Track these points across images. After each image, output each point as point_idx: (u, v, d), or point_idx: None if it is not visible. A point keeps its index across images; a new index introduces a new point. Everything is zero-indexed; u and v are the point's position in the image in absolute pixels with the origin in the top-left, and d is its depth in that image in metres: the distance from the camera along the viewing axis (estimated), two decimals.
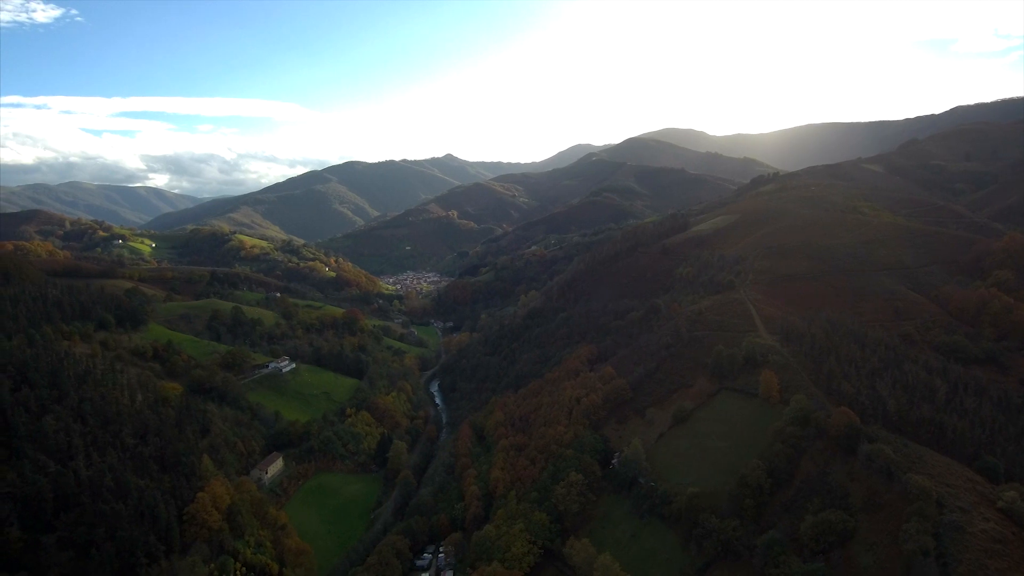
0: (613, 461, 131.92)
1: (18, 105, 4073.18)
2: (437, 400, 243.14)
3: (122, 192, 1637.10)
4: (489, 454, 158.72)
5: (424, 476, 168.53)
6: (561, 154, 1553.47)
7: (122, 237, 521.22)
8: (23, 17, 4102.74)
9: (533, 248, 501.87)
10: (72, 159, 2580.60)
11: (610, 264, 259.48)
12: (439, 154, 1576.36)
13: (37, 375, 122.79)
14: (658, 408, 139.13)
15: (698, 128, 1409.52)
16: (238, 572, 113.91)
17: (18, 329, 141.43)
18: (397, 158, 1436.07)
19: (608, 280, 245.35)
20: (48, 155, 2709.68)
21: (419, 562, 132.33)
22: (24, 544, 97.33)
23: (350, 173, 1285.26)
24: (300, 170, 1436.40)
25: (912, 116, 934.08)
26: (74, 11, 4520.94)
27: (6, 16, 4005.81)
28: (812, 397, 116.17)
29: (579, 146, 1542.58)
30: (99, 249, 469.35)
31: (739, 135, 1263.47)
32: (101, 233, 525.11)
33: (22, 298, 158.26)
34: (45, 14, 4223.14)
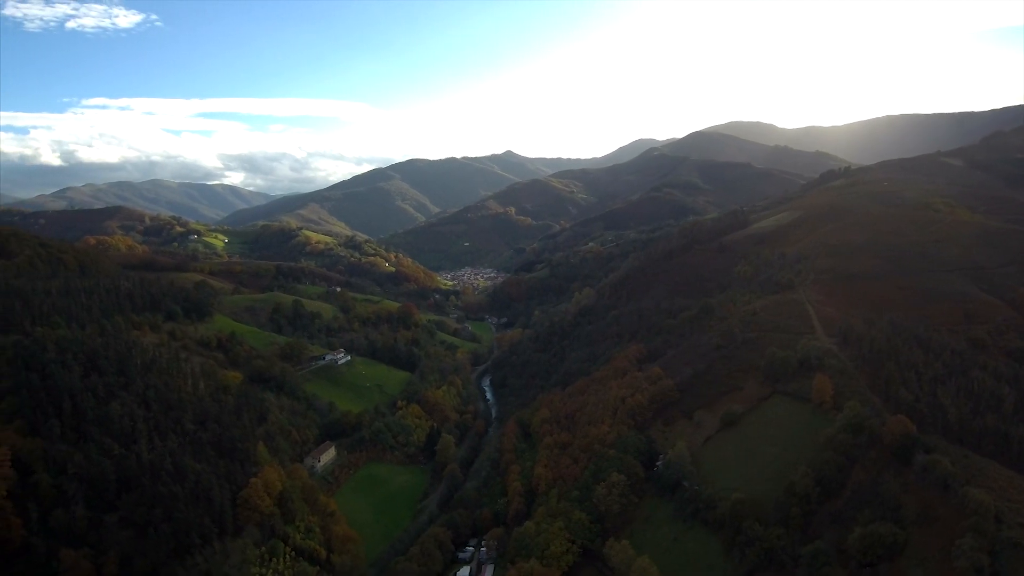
0: (657, 463, 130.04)
1: (103, 107, 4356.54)
2: (488, 395, 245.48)
3: (200, 189, 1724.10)
4: (533, 451, 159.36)
5: (470, 470, 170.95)
6: (622, 149, 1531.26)
7: (197, 232, 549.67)
8: (107, 23, 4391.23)
9: (590, 245, 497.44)
10: (154, 158, 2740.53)
11: (664, 262, 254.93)
12: (499, 151, 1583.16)
13: (106, 362, 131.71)
14: (706, 411, 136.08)
15: (766, 120, 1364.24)
16: (287, 556, 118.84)
17: (91, 319, 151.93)
18: (458, 155, 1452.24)
19: (661, 278, 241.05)
20: (132, 154, 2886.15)
21: (461, 555, 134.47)
22: (88, 522, 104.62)
23: (412, 170, 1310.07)
24: (366, 167, 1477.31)
25: (999, 107, 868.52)
26: (154, 16, 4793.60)
27: (90, 22, 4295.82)
28: (867, 404, 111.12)
29: (640, 141, 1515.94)
30: (176, 244, 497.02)
31: (811, 127, 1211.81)
32: (178, 229, 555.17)
33: (96, 290, 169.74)
34: (127, 19, 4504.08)
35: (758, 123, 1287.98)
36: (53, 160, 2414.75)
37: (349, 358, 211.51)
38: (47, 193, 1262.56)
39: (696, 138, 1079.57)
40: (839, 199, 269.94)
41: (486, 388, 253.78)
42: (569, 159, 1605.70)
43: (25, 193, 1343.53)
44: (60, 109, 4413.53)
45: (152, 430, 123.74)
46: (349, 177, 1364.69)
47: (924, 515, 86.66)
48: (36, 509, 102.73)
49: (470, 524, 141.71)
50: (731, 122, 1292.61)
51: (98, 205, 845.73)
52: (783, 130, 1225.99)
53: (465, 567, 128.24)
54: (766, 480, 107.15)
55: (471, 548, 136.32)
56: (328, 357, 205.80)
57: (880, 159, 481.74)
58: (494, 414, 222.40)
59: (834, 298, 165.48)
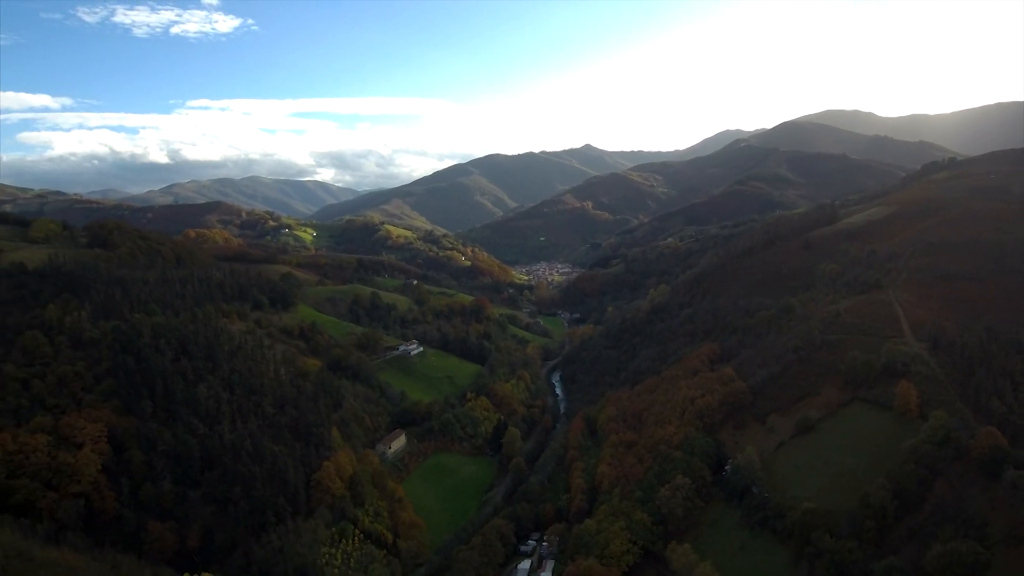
0: (726, 467, 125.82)
1: (206, 108, 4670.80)
2: (557, 390, 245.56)
3: (293, 186, 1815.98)
4: (598, 448, 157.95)
5: (535, 464, 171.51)
6: (706, 141, 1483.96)
7: (288, 226, 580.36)
8: (208, 28, 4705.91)
9: (668, 240, 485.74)
10: (252, 156, 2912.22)
11: (744, 259, 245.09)
12: (577, 144, 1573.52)
13: (196, 348, 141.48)
14: (780, 415, 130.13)
15: (865, 109, 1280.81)
16: (356, 538, 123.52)
17: (184, 307, 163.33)
18: (536, 150, 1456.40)
19: (740, 275, 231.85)
20: (232, 152, 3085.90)
21: (523, 548, 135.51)
22: (174, 496, 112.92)
23: (491, 165, 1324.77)
24: (448, 163, 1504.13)
25: None
26: (250, 20, 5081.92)
27: (193, 27, 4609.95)
28: (955, 413, 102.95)
29: (726, 132, 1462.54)
30: (269, 237, 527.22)
31: (914, 116, 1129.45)
32: (271, 223, 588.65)
33: (190, 280, 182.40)
34: (226, 24, 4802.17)
35: (856, 112, 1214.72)
36: (161, 158, 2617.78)
37: (422, 349, 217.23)
38: (156, 189, 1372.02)
39: (787, 128, 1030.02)
40: (939, 193, 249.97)
41: (556, 383, 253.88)
42: (649, 152, 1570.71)
43: (136, 189, 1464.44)
44: (167, 110, 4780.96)
45: (235, 412, 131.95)
46: (431, 173, 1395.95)
47: (1012, 534, 79.45)
48: (128, 483, 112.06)
49: (532, 518, 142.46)
50: (826, 111, 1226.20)
51: (201, 200, 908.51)
52: (884, 119, 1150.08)
53: (526, 560, 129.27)
54: (840, 491, 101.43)
55: (533, 542, 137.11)
56: (402, 348, 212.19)
57: (990, 150, 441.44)
58: (562, 410, 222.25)
59: (927, 299, 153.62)
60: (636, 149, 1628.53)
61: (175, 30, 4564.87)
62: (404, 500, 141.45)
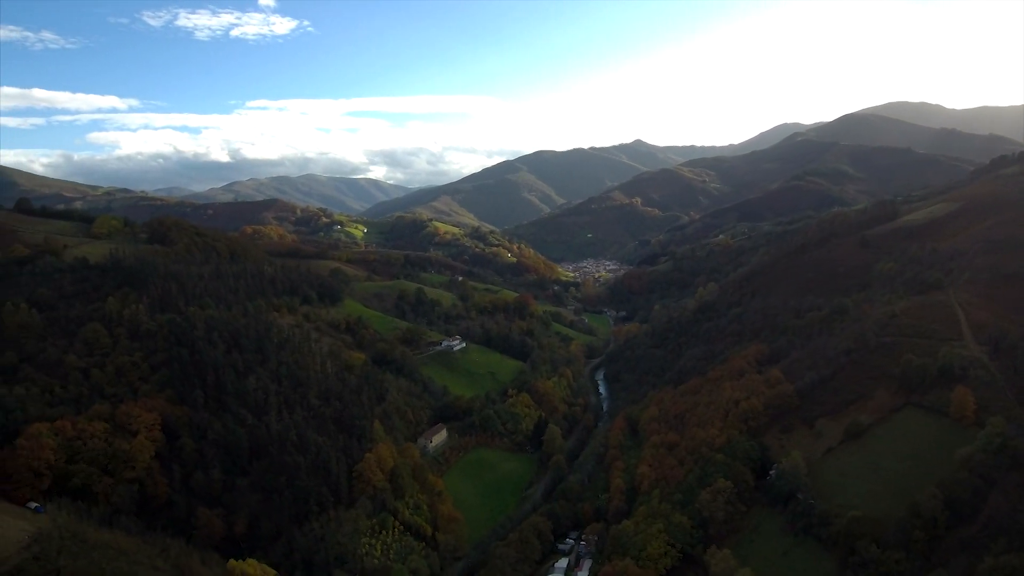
0: (770, 472, 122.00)
1: (264, 108, 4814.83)
2: (601, 389, 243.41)
3: (347, 183, 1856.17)
4: (639, 449, 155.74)
5: (575, 462, 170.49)
6: (762, 135, 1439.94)
7: (340, 223, 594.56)
8: (265, 30, 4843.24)
9: (719, 237, 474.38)
10: (308, 154, 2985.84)
11: (796, 256, 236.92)
12: (627, 140, 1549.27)
13: (246, 341, 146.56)
14: (829, 420, 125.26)
15: (932, 101, 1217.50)
16: (396, 529, 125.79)
17: (237, 301, 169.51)
18: (585, 146, 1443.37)
19: (792, 274, 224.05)
20: (289, 151, 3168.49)
21: (561, 546, 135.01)
22: (223, 484, 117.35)
23: (539, 162, 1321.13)
24: (496, 160, 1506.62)
25: None
26: (306, 22, 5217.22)
27: (251, 29, 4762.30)
28: (1014, 421, 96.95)
29: (784, 126, 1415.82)
30: (321, 233, 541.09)
31: (984, 108, 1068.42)
32: (324, 219, 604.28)
33: (243, 275, 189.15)
34: (283, 26, 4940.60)
35: (922, 104, 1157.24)
36: (222, 157, 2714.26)
37: (464, 345, 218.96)
38: (217, 187, 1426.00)
39: (847, 121, 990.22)
40: (1007, 189, 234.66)
41: (599, 382, 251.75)
42: (703, 147, 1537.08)
43: (199, 187, 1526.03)
44: (227, 111, 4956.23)
45: (282, 404, 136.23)
46: (479, 170, 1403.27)
47: None
48: (179, 470, 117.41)
49: (571, 516, 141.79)
50: (889, 103, 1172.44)
51: (259, 198, 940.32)
52: (951, 111, 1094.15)
53: (564, 558, 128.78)
54: (889, 499, 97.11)
55: (571, 540, 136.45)
56: (445, 343, 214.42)
57: None
58: (605, 408, 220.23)
59: (990, 301, 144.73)
60: (688, 144, 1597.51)
61: (235, 32, 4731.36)
62: (444, 494, 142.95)
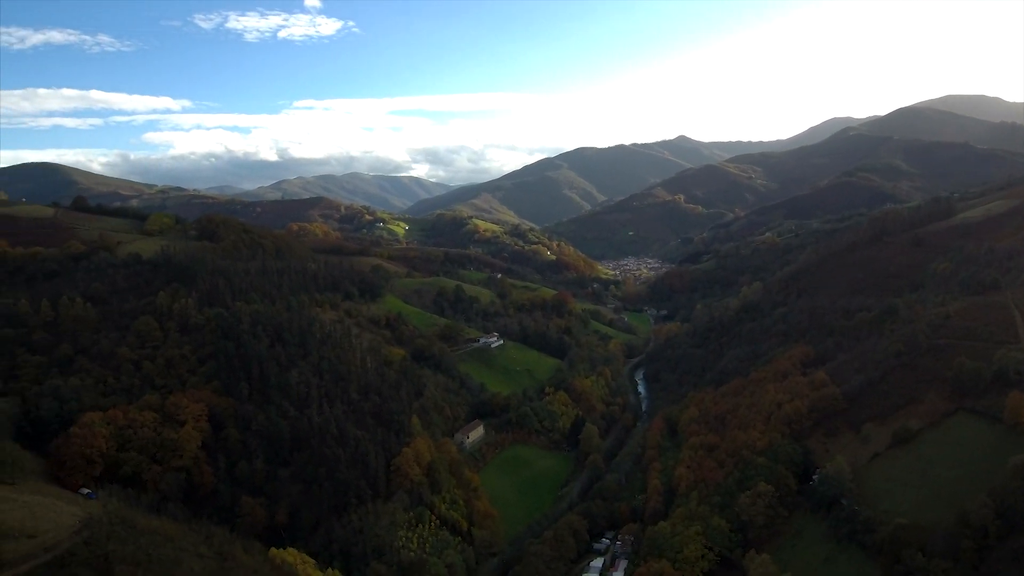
0: (813, 477, 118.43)
1: (310, 108, 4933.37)
2: (640, 389, 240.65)
3: (390, 181, 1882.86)
4: (678, 450, 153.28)
5: (612, 462, 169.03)
6: (812, 130, 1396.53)
7: (382, 221, 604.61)
8: (312, 31, 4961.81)
9: (765, 235, 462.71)
10: (353, 153, 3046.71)
11: (846, 255, 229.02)
12: (671, 136, 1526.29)
13: (289, 335, 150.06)
14: (877, 424, 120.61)
15: (990, 94, 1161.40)
16: (432, 524, 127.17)
17: (281, 296, 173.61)
18: (627, 142, 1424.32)
19: (841, 273, 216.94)
20: (335, 150, 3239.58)
21: (597, 545, 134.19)
22: (265, 474, 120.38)
23: (580, 159, 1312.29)
24: (538, 157, 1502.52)
25: None
26: (351, 23, 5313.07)
27: (298, 31, 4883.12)
28: None
29: (835, 120, 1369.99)
30: (364, 231, 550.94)
31: None
32: (367, 217, 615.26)
33: (287, 271, 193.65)
34: (329, 27, 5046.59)
35: (980, 97, 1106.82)
36: (271, 156, 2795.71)
37: (502, 342, 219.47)
38: (266, 185, 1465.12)
39: (902, 115, 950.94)
40: None
41: (639, 381, 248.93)
42: (749, 142, 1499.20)
43: (249, 185, 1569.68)
44: (275, 111, 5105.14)
45: (322, 397, 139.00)
46: (520, 167, 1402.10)
47: None
48: (224, 460, 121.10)
49: (607, 516, 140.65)
50: (945, 96, 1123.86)
51: (306, 196, 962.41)
52: (1010, 104, 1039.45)
53: (599, 558, 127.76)
54: (937, 507, 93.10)
55: (607, 540, 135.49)
56: (482, 340, 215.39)
57: None
58: (644, 408, 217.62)
59: None
60: (735, 140, 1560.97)
61: (282, 34, 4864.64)
62: (480, 489, 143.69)
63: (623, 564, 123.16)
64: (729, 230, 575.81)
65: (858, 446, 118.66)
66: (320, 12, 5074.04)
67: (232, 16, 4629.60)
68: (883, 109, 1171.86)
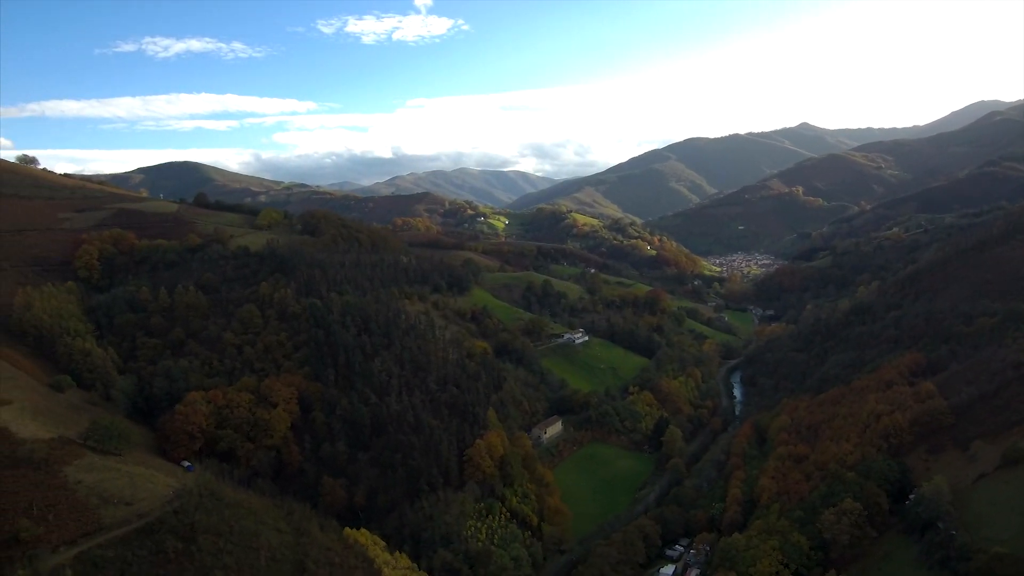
0: (910, 496, 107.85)
1: (421, 106, 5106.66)
2: (736, 392, 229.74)
3: (497, 176, 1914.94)
4: (764, 459, 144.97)
5: (695, 467, 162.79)
6: (954, 115, 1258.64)
7: (484, 215, 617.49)
8: (424, 31, 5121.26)
9: (892, 230, 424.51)
10: (462, 149, 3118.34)
11: (973, 254, 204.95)
12: (791, 123, 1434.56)
13: (375, 325, 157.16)
14: (988, 442, 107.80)
15: None
16: (502, 516, 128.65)
17: (372, 288, 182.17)
18: (743, 131, 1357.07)
19: (966, 274, 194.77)
20: (445, 146, 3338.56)
21: (670, 552, 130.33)
22: (347, 457, 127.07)
23: (690, 150, 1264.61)
24: (645, 148, 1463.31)
25: None
26: (460, 20, 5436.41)
27: (411, 32, 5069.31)
28: None
29: (979, 104, 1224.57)
30: (466, 225, 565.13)
31: None
32: (469, 211, 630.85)
33: (380, 264, 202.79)
34: (440, 26, 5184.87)
35: None
36: (385, 153, 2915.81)
37: (587, 338, 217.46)
38: (381, 181, 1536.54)
39: None
40: None
41: (736, 384, 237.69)
42: (881, 129, 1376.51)
43: (367, 181, 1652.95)
44: (390, 109, 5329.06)
45: (402, 386, 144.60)
46: (627, 160, 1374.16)
47: None
48: (310, 441, 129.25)
49: (682, 523, 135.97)
50: None
51: (417, 191, 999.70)
52: None
53: (671, 565, 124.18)
54: None
55: (681, 547, 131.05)
56: (567, 336, 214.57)
57: None
58: (737, 412, 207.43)
59: None
60: (865, 126, 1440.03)
61: (397, 36, 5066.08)
62: (552, 486, 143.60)
63: (694, 573, 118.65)
64: (851, 225, 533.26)
65: (963, 465, 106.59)
66: (431, 11, 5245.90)
67: (351, 20, 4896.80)
68: None
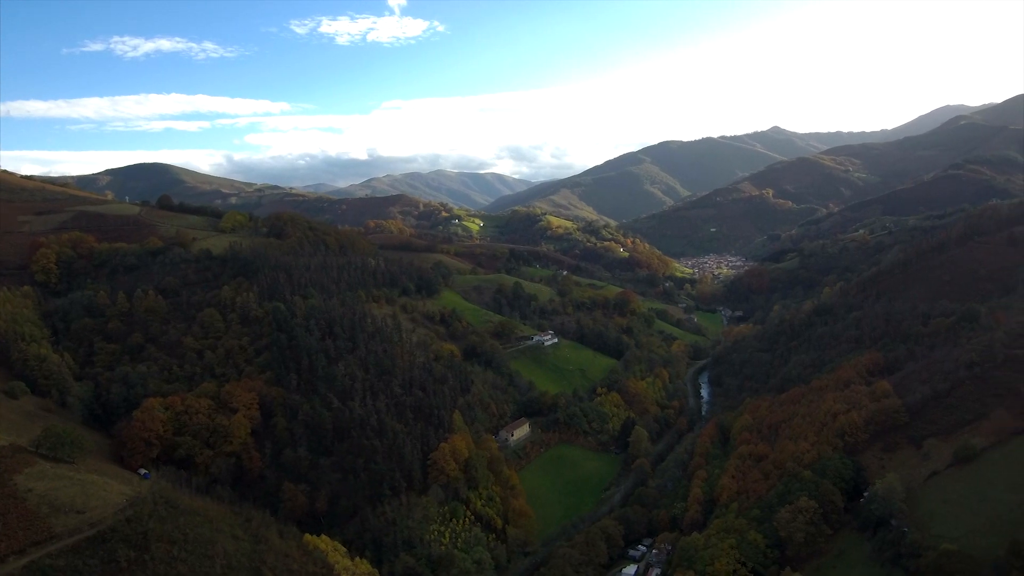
0: (864, 494, 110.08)
1: (397, 108, 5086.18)
2: (703, 392, 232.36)
3: (473, 178, 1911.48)
4: (726, 458, 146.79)
5: (660, 467, 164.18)
6: (920, 119, 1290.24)
7: (458, 217, 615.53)
8: (399, 32, 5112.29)
9: (858, 232, 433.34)
10: (439, 151, 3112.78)
11: (932, 256, 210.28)
12: (763, 127, 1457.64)
13: (340, 329, 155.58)
14: (940, 440, 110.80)
15: None
16: (466, 519, 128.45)
17: (338, 291, 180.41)
18: (715, 134, 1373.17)
19: (925, 275, 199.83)
20: (422, 148, 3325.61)
21: (632, 552, 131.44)
22: (308, 462, 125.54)
23: (664, 153, 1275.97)
24: (621, 151, 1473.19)
25: None
26: (435, 22, 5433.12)
27: (385, 33, 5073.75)
28: None
29: (945, 108, 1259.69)
30: (440, 227, 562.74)
31: None
32: (444, 214, 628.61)
33: (347, 267, 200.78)
34: (414, 27, 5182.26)
35: None
36: (361, 155, 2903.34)
37: (556, 340, 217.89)
38: (356, 183, 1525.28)
39: (1020, 102, 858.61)
40: None
41: (703, 384, 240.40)
42: (850, 133, 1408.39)
43: (342, 183, 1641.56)
44: (366, 111, 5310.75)
45: (366, 390, 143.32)
46: (602, 162, 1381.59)
47: None
48: (271, 447, 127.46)
49: (645, 523, 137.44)
50: None
51: (393, 193, 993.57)
52: None
53: (632, 565, 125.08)
54: (992, 534, 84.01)
55: (643, 548, 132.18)
56: (536, 338, 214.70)
57: None
58: (703, 412, 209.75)
59: None
60: (834, 130, 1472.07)
61: (371, 37, 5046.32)
62: (518, 488, 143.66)
63: (655, 573, 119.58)
64: (820, 227, 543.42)
65: (916, 463, 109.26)
66: (405, 12, 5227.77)
67: (325, 20, 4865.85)
68: (1000, 96, 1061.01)
